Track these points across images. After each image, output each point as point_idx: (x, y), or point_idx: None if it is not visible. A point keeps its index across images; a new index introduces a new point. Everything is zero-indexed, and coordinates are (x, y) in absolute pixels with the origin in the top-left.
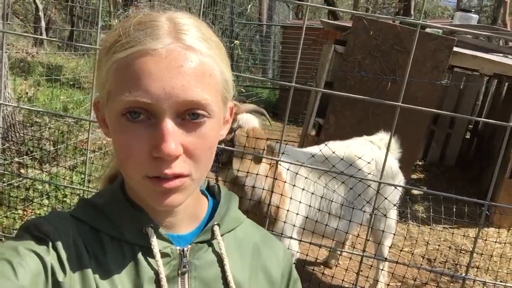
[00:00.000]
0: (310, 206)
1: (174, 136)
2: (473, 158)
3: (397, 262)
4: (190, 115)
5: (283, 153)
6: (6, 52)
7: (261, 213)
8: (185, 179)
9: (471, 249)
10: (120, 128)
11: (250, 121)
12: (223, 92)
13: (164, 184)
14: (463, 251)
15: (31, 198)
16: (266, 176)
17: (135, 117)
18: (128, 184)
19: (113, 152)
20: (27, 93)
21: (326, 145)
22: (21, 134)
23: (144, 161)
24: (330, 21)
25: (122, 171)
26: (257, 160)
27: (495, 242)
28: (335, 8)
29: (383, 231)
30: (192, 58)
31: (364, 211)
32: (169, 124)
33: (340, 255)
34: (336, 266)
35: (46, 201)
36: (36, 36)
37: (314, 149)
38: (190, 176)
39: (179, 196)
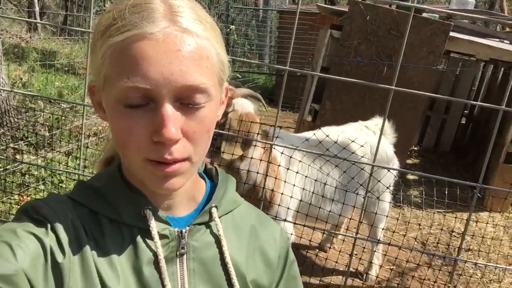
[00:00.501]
0: (304, 189)
1: (174, 121)
2: (468, 143)
3: (389, 244)
4: (189, 99)
5: (277, 137)
6: None
7: (256, 197)
8: (185, 162)
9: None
10: (118, 113)
11: (244, 105)
12: (219, 74)
13: (164, 169)
14: (456, 235)
15: (27, 184)
16: (261, 160)
17: (133, 103)
18: (126, 167)
19: (111, 136)
20: (21, 79)
21: (323, 129)
22: (16, 120)
23: (144, 145)
24: (326, 6)
25: (121, 155)
26: (246, 144)
27: (487, 224)
28: None
29: (375, 213)
30: (189, 41)
31: (358, 194)
32: (168, 109)
33: (333, 237)
34: (330, 249)
35: (42, 187)
36: (30, 20)
37: (308, 134)
38: (189, 160)
39: (179, 180)
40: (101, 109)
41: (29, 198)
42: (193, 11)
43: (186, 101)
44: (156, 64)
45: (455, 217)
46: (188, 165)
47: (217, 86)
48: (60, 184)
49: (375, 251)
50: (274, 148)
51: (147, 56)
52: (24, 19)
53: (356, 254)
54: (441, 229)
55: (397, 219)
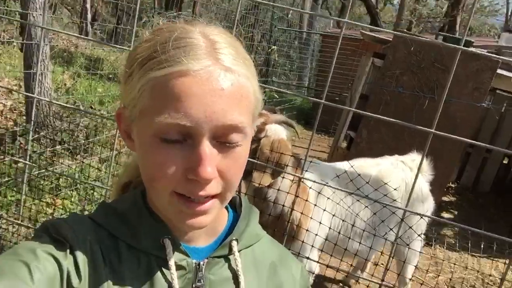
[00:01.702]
0: (330, 228)
1: (210, 160)
2: (510, 184)
3: None
4: (226, 138)
5: (306, 171)
6: (47, 44)
7: (280, 229)
8: (215, 200)
9: (498, 280)
10: (154, 146)
11: (278, 132)
12: (254, 112)
13: (195, 208)
14: (490, 282)
15: (60, 188)
16: (288, 193)
17: (172, 138)
18: (151, 198)
19: (134, 159)
20: (65, 84)
21: (352, 166)
22: (57, 125)
23: (177, 181)
24: (370, 34)
25: (149, 187)
26: (276, 174)
27: None
28: (375, 27)
29: (404, 262)
30: (232, 81)
31: (386, 239)
32: (207, 148)
33: (357, 281)
34: (355, 284)
35: (74, 193)
36: (73, 34)
37: (341, 166)
38: (220, 197)
39: (208, 218)
40: (129, 138)
41: (60, 201)
42: (233, 48)
43: (223, 139)
44: (199, 102)
45: (491, 264)
46: (218, 203)
47: (251, 123)
48: (92, 191)
49: None
50: (302, 182)
51: (191, 93)
52: (67, 32)
53: None
54: (476, 277)
55: (428, 269)
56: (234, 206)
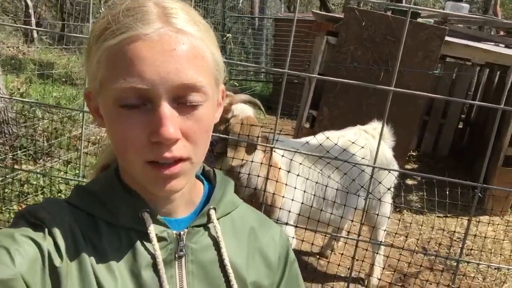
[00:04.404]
0: (305, 192)
1: (172, 120)
2: (466, 147)
3: (392, 246)
4: (185, 98)
5: (277, 140)
6: None
7: (258, 201)
8: (185, 163)
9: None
10: (116, 116)
11: (244, 110)
12: (215, 74)
13: (165, 171)
14: (457, 239)
15: (25, 193)
16: (261, 163)
17: (130, 103)
18: (125, 171)
19: (109, 141)
20: (19, 89)
21: (322, 133)
22: (14, 130)
23: (143, 147)
24: (322, 13)
25: (120, 159)
26: (251, 149)
27: (488, 226)
28: None
29: (377, 215)
30: (184, 41)
31: (359, 195)
32: (166, 109)
33: (334, 240)
34: (331, 254)
35: (41, 196)
36: (29, 27)
37: (308, 138)
38: (189, 160)
39: (180, 181)
40: (99, 116)
41: None
42: (186, 13)
43: (183, 100)
44: (152, 64)
45: (456, 221)
46: (189, 166)
47: (213, 86)
48: (59, 194)
49: (377, 253)
50: (274, 151)
51: (143, 56)
52: (24, 26)
53: (357, 260)
54: (442, 233)
55: (398, 224)
56: (209, 179)
